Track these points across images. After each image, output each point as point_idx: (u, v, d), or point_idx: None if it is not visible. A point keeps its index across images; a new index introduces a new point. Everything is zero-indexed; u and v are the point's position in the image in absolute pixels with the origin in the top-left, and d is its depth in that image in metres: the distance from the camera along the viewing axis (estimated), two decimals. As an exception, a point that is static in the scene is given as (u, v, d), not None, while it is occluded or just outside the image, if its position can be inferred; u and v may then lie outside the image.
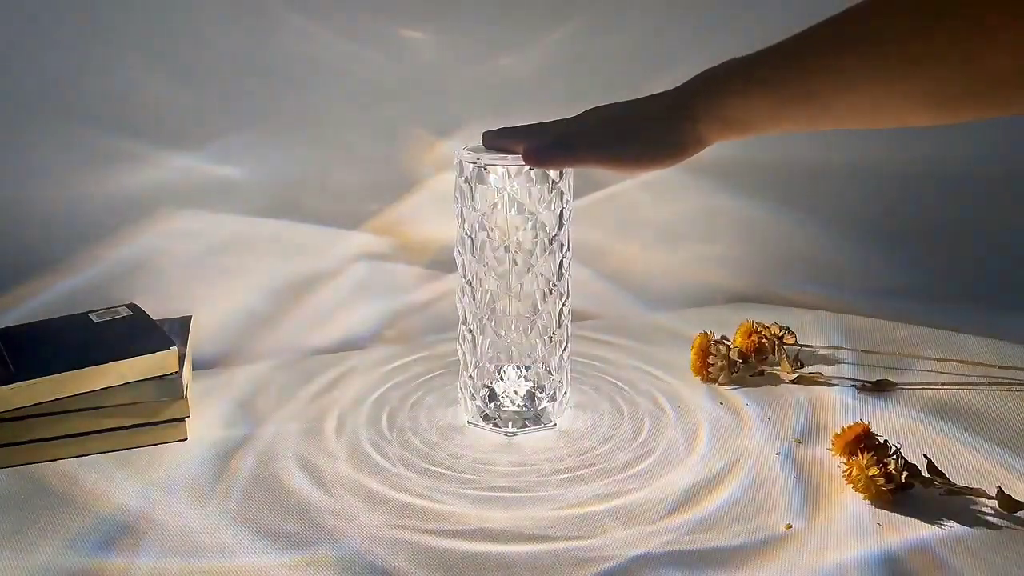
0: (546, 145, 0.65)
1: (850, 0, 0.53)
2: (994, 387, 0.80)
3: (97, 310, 0.82)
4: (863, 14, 0.53)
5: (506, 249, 0.71)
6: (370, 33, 0.87)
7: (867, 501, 0.62)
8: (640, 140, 0.62)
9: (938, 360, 0.84)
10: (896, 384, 0.81)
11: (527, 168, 0.69)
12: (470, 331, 0.75)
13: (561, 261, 0.73)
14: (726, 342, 0.85)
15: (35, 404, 0.69)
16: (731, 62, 0.59)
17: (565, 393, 0.76)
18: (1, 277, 0.82)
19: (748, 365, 0.83)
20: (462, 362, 0.76)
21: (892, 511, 0.61)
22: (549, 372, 0.74)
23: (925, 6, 0.50)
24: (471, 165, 0.70)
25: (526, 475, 0.68)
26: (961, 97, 0.51)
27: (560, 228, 0.72)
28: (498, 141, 0.70)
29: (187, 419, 0.74)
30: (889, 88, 0.53)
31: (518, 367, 0.75)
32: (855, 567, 0.56)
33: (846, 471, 0.64)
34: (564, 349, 0.75)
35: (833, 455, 0.66)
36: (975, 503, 0.62)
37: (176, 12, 0.81)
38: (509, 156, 0.69)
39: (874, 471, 0.62)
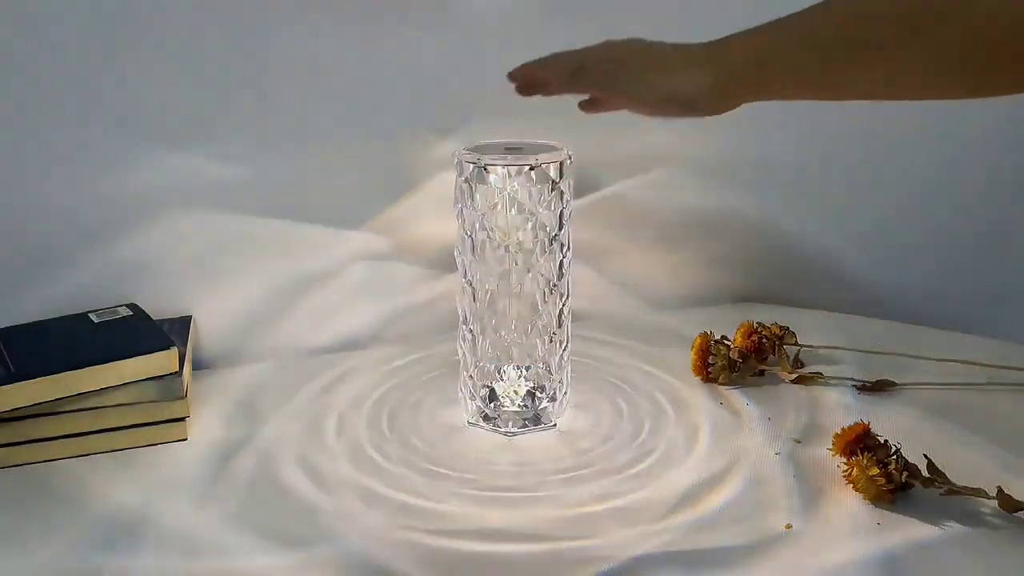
0: (601, 72, 0.66)
1: None
2: (994, 387, 0.80)
3: (97, 310, 0.82)
4: None
5: (506, 249, 0.71)
6: (370, 33, 0.87)
7: (867, 501, 0.62)
8: (681, 79, 0.62)
9: (938, 360, 0.84)
10: (896, 384, 0.81)
11: (527, 168, 0.69)
12: (470, 331, 0.75)
13: (561, 261, 0.73)
14: (726, 342, 0.85)
15: (35, 404, 0.69)
16: (770, 24, 0.60)
17: (565, 393, 0.76)
18: (1, 277, 0.82)
19: (748, 365, 0.83)
20: (462, 362, 0.76)
21: (892, 511, 0.61)
22: (549, 372, 0.74)
23: None
24: (471, 165, 0.70)
25: (526, 475, 0.68)
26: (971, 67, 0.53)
27: (560, 228, 0.72)
28: (537, 71, 0.68)
29: (187, 419, 0.74)
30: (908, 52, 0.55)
31: (518, 367, 0.75)
32: (855, 567, 0.56)
33: (846, 471, 0.64)
34: (564, 349, 0.75)
35: (833, 455, 0.66)
36: (975, 503, 0.62)
37: (176, 12, 0.81)
38: (509, 156, 0.69)
39: (874, 471, 0.62)
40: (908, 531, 0.59)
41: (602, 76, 0.65)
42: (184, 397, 0.74)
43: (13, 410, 0.69)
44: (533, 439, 0.74)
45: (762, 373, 0.84)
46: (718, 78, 0.61)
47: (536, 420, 0.75)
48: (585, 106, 0.71)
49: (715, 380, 0.83)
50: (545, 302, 0.73)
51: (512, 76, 0.69)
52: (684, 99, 0.62)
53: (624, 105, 0.67)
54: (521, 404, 0.75)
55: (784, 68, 0.60)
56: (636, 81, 0.64)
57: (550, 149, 0.72)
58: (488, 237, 0.71)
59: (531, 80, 0.68)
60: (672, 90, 0.62)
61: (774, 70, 0.60)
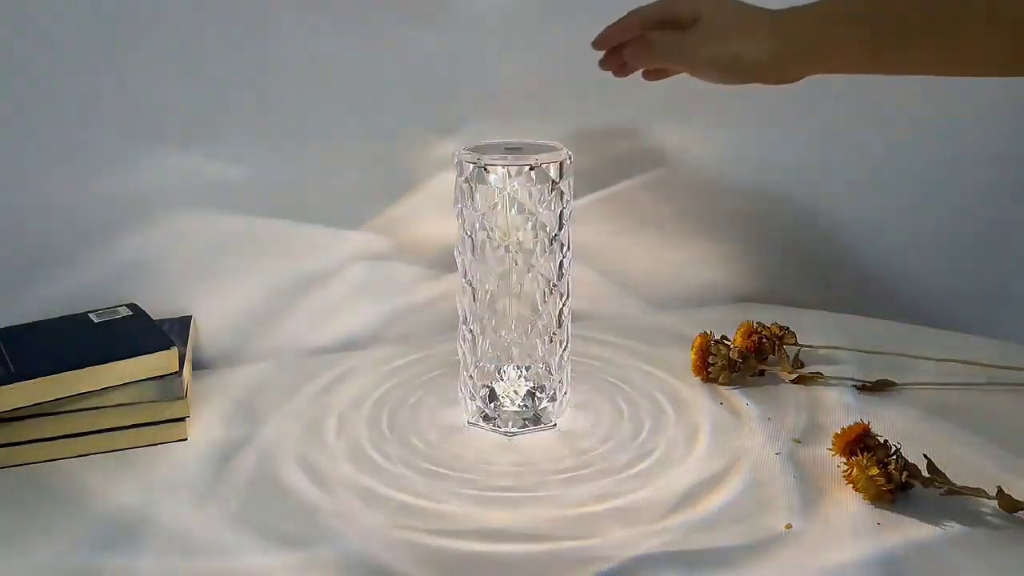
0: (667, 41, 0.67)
1: None
2: (994, 387, 0.80)
3: (97, 310, 0.82)
4: None
5: (506, 249, 0.71)
6: (370, 33, 0.87)
7: (867, 501, 0.62)
8: (744, 46, 0.63)
9: (938, 360, 0.84)
10: (896, 384, 0.81)
11: (527, 168, 0.69)
12: (470, 331, 0.75)
13: (561, 261, 0.73)
14: (726, 342, 0.85)
15: (35, 404, 0.69)
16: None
17: (565, 393, 0.76)
18: (1, 277, 0.82)
19: (748, 365, 0.83)
20: (462, 362, 0.76)
21: (892, 511, 0.61)
22: (549, 372, 0.74)
23: None
24: (471, 165, 0.70)
25: (526, 475, 0.68)
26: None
27: (560, 228, 0.72)
28: (616, 33, 0.70)
29: (187, 419, 0.74)
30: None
31: (518, 367, 0.75)
32: (855, 567, 0.56)
33: (846, 471, 0.64)
34: (564, 349, 0.75)
35: (833, 455, 0.66)
36: (975, 503, 0.62)
37: (176, 12, 0.81)
38: (509, 156, 0.69)
39: (874, 471, 0.62)
40: (908, 531, 0.59)
41: (671, 48, 0.66)
42: (184, 397, 0.74)
43: (13, 410, 0.69)
44: (533, 439, 0.74)
45: (762, 373, 0.84)
46: (777, 48, 0.62)
47: (536, 420, 0.75)
48: (648, 74, 0.73)
49: (715, 380, 0.83)
50: (545, 302, 0.73)
51: (595, 44, 0.71)
52: (745, 66, 0.63)
53: (690, 72, 0.68)
54: (521, 404, 0.75)
55: (841, 43, 0.62)
56: (702, 47, 0.65)
57: (550, 149, 0.72)
58: (488, 237, 0.71)
59: (611, 43, 0.70)
60: (734, 57, 0.63)
61: (831, 45, 0.62)
